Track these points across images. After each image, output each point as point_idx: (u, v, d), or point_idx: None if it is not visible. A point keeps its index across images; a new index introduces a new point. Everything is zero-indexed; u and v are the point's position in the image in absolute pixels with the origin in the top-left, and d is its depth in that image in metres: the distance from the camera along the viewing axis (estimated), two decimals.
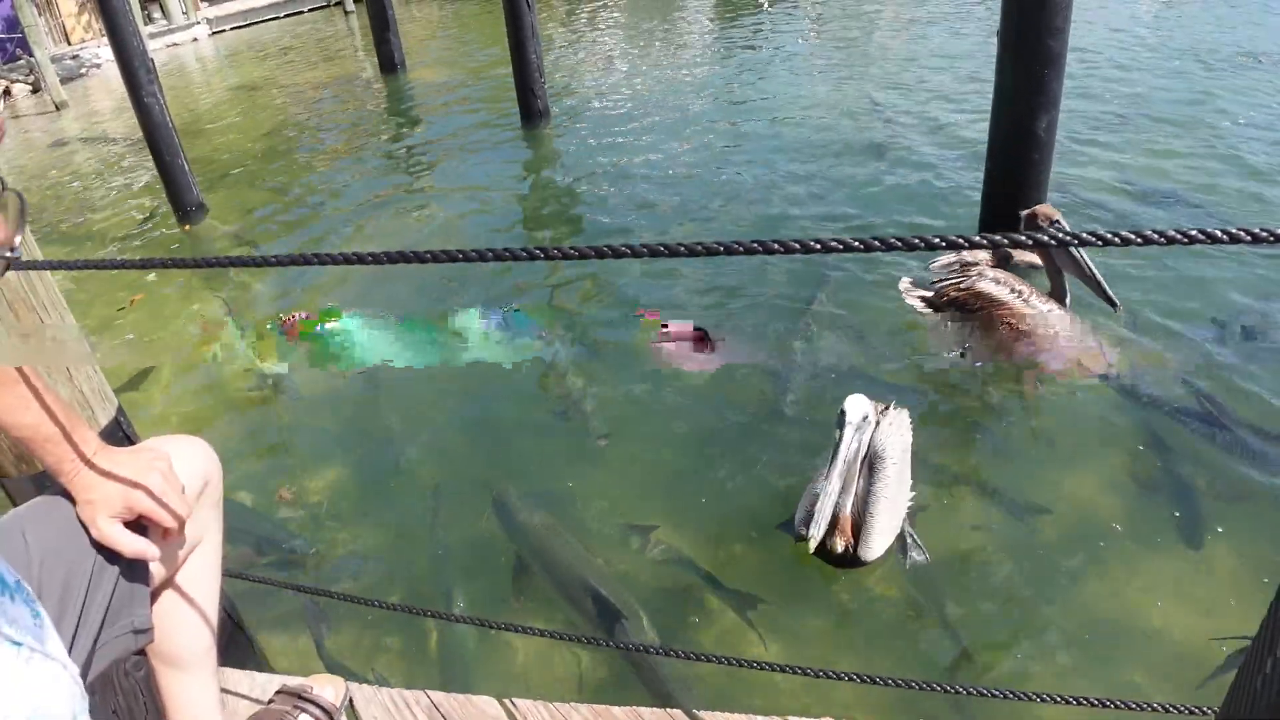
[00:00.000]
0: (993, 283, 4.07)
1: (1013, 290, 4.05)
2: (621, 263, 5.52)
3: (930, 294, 4.27)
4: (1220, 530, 3.09)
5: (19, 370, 1.25)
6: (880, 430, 3.13)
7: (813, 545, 2.84)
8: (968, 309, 4.10)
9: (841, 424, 2.93)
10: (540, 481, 3.77)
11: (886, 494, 3.02)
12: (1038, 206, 4.16)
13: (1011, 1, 4.47)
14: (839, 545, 2.97)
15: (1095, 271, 4.05)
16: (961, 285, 4.14)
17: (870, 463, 3.12)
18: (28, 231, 1.00)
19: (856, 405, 2.96)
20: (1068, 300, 4.21)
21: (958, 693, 1.61)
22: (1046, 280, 4.28)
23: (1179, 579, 2.94)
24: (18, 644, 0.93)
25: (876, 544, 2.98)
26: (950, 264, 4.24)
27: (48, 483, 1.38)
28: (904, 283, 4.47)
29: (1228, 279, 4.57)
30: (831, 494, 2.89)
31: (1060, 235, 0.90)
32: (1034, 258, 4.45)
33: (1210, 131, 6.64)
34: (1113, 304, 4.05)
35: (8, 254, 0.72)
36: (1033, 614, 2.88)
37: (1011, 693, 1.63)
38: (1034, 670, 2.69)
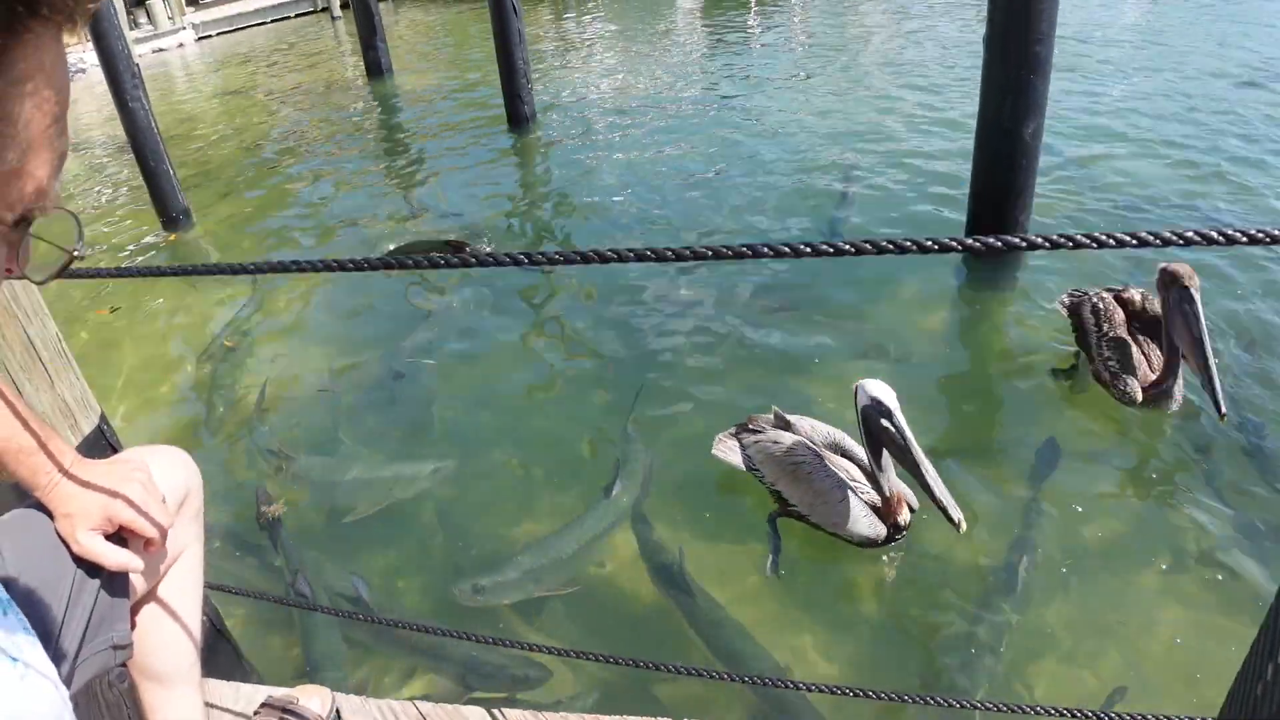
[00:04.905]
0: (1090, 312, 3.96)
1: (1098, 328, 3.88)
2: (611, 270, 5.51)
3: (1068, 301, 4.21)
4: (1221, 541, 3.09)
5: None
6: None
7: (964, 527, 2.89)
8: (1076, 324, 4.07)
9: (887, 412, 2.93)
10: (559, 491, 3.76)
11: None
12: (1172, 264, 3.55)
13: (997, 7, 4.50)
14: (905, 518, 3.09)
15: (1214, 367, 3.36)
16: (1076, 299, 4.12)
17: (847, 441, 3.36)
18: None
19: (886, 391, 2.98)
20: (1174, 385, 3.62)
21: (951, 705, 1.60)
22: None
23: (1177, 589, 2.93)
24: (14, 659, 0.91)
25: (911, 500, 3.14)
26: (1110, 288, 4.09)
27: (27, 493, 1.35)
28: (1063, 295, 4.33)
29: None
30: (935, 477, 2.92)
31: (1049, 237, 0.90)
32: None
33: (1202, 140, 6.67)
34: (1219, 410, 3.33)
35: (74, 252, 0.77)
36: (1026, 623, 2.87)
37: (1005, 705, 1.62)
38: (1025, 680, 2.68)
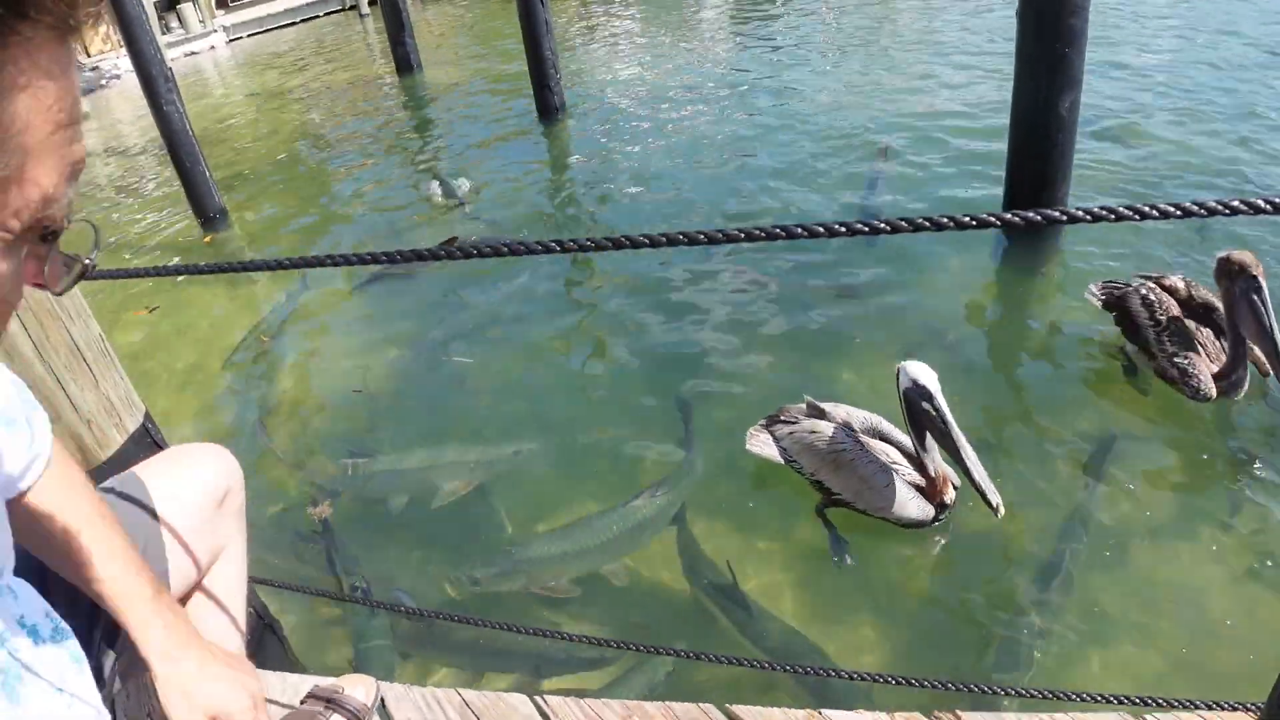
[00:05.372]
0: (1141, 304, 3.75)
1: (1154, 321, 3.68)
2: (643, 256, 5.51)
3: (1103, 295, 3.99)
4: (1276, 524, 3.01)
5: (97, 514, 1.19)
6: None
7: (1002, 512, 2.91)
8: (1123, 319, 3.85)
9: (928, 395, 2.92)
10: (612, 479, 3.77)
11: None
12: (1235, 252, 3.38)
13: None
14: (951, 496, 3.10)
15: None
16: (1116, 292, 3.92)
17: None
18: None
19: (927, 373, 2.96)
20: (1243, 375, 3.46)
21: (994, 693, 1.58)
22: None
23: (1230, 573, 2.87)
24: (59, 689, 0.93)
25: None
26: (1147, 276, 3.88)
27: (98, 480, 1.36)
28: (1093, 285, 4.11)
29: None
30: (975, 461, 2.93)
31: (1090, 210, 0.88)
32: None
33: (1240, 112, 6.50)
34: None
35: (87, 261, 0.78)
36: (1072, 605, 2.83)
37: (1051, 693, 1.60)
38: (1066, 666, 2.65)
